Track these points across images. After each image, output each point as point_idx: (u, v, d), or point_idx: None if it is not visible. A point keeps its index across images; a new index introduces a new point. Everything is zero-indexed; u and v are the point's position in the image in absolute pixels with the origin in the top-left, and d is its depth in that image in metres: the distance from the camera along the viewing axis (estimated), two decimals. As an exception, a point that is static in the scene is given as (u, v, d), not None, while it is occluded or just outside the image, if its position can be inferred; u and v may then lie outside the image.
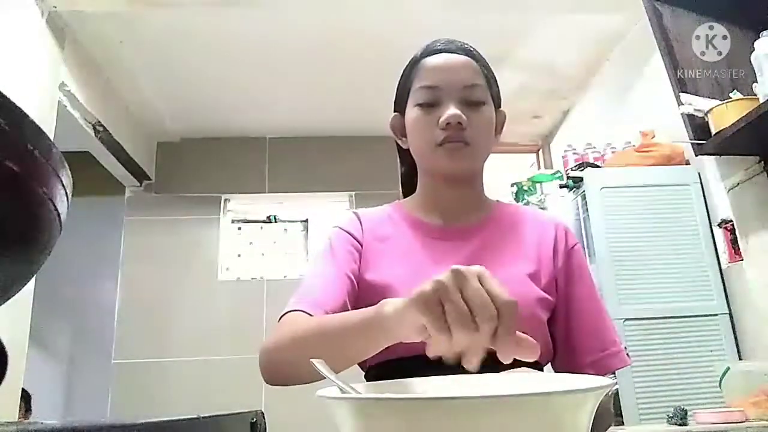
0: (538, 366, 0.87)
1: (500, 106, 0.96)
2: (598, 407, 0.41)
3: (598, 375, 0.84)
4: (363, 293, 0.87)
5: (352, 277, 0.87)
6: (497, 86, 0.95)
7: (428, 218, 0.94)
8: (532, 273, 0.87)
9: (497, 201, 1.00)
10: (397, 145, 1.00)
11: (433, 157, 0.88)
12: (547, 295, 0.86)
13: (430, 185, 0.95)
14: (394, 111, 0.98)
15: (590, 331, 0.88)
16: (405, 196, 1.03)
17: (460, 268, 0.50)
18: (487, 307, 0.48)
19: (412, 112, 0.91)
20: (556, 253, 0.91)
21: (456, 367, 0.70)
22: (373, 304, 0.77)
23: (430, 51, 0.92)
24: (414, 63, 0.93)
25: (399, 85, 0.96)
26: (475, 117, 0.87)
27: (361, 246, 0.91)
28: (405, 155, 1.00)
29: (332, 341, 0.71)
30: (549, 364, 0.92)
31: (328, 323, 0.73)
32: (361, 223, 0.94)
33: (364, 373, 0.90)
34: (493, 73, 0.95)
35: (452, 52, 0.90)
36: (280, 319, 0.81)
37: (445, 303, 0.49)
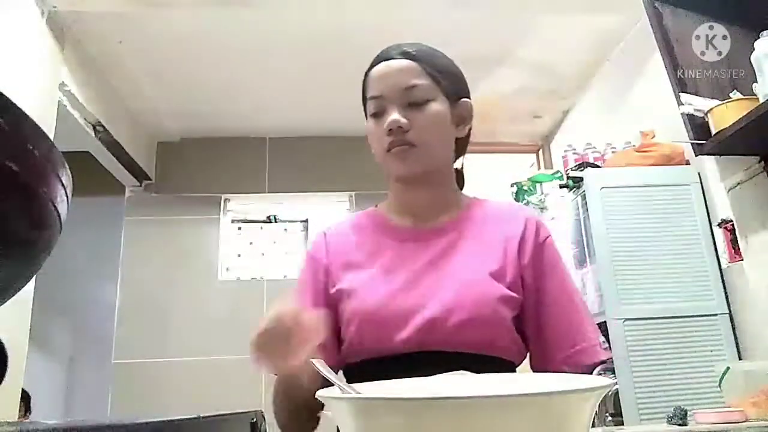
0: (510, 364, 0.88)
1: (463, 97, 0.96)
2: None
3: (573, 372, 0.85)
4: (336, 303, 0.91)
5: (322, 298, 0.93)
6: (452, 80, 0.95)
7: (398, 220, 0.97)
8: (496, 271, 0.88)
9: (473, 199, 1.01)
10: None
11: (386, 163, 0.92)
12: (511, 293, 0.87)
13: (395, 189, 0.99)
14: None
15: (561, 326, 0.89)
16: None
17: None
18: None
19: (367, 123, 0.95)
20: (522, 248, 0.91)
21: (423, 366, 0.72)
22: (342, 312, 0.88)
23: (374, 62, 0.95)
24: (365, 75, 0.97)
25: (361, 98, 1.00)
26: (419, 117, 0.89)
27: (327, 264, 0.96)
28: None
29: (284, 403, 0.87)
30: (528, 361, 0.93)
31: (275, 387, 0.88)
32: (326, 242, 0.98)
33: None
34: (446, 68, 0.95)
35: (392, 59, 0.93)
36: None
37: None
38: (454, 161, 1.00)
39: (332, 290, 0.92)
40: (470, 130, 0.99)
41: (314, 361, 0.55)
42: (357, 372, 0.88)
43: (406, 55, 0.93)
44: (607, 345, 0.93)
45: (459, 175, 1.04)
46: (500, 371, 0.83)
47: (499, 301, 0.85)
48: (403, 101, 0.90)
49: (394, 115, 0.88)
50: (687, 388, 1.77)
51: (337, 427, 0.66)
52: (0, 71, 1.91)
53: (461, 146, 1.00)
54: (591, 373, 0.85)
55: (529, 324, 0.90)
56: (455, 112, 0.95)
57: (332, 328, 0.90)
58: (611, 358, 0.94)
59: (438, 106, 0.91)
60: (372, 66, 0.95)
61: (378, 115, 0.92)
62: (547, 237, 0.95)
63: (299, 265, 1.02)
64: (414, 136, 0.88)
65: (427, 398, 0.40)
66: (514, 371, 0.89)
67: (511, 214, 0.97)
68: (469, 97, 0.98)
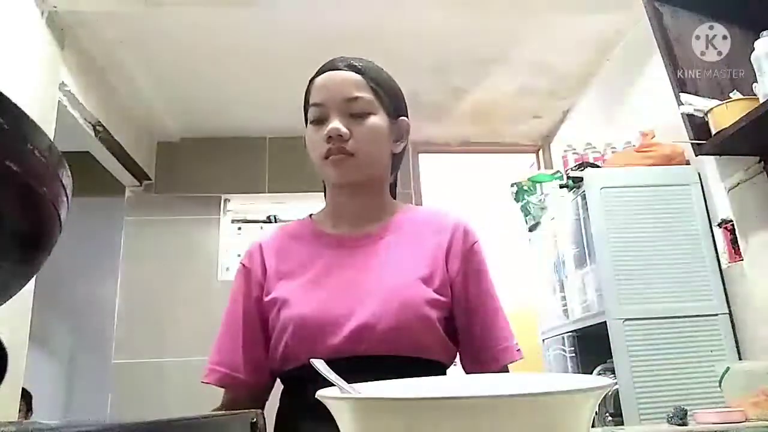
0: (441, 365, 0.91)
1: (401, 116, 1.00)
2: None
3: (497, 371, 0.91)
4: (269, 311, 0.93)
5: (253, 311, 0.95)
6: (396, 98, 0.99)
7: (331, 228, 0.99)
8: (425, 276, 0.90)
9: (406, 206, 1.04)
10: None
11: (323, 169, 0.94)
12: (439, 296, 0.89)
13: (330, 196, 1.01)
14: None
15: (486, 327, 0.93)
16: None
17: None
18: None
19: (307, 129, 0.96)
20: (449, 255, 0.94)
21: (366, 369, 0.71)
22: (275, 321, 0.90)
23: (319, 71, 0.98)
24: (309, 83, 0.99)
25: (303, 104, 1.01)
26: (359, 128, 0.92)
27: (262, 273, 0.97)
28: None
29: None
30: (458, 361, 0.97)
31: None
32: (262, 251, 0.99)
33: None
34: (389, 85, 0.98)
35: (337, 69, 0.96)
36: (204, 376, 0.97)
37: None
38: (390, 175, 1.03)
39: (265, 299, 0.94)
40: (405, 147, 1.02)
41: (314, 361, 0.55)
42: (291, 379, 0.91)
43: (351, 67, 0.96)
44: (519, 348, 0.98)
45: (392, 188, 1.07)
46: (430, 373, 0.84)
47: (426, 304, 0.87)
48: (344, 111, 0.92)
49: (335, 123, 0.90)
50: (687, 388, 1.78)
51: None
52: (0, 71, 1.91)
53: (397, 161, 1.03)
54: (507, 372, 0.91)
55: (460, 326, 0.93)
56: (394, 128, 0.98)
57: (262, 342, 0.94)
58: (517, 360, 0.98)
59: (378, 120, 0.94)
60: (317, 74, 0.98)
61: (318, 122, 0.93)
62: (475, 242, 0.97)
63: (234, 275, 1.03)
64: (352, 145, 0.91)
65: (427, 398, 0.40)
66: (445, 373, 0.92)
67: (439, 220, 0.99)
68: (407, 116, 1.01)
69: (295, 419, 0.89)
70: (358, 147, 0.91)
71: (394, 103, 0.98)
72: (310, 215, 1.06)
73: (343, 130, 0.90)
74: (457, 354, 0.96)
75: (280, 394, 0.97)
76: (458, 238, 0.96)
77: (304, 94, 1.00)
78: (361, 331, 0.85)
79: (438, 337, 0.89)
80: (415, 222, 0.99)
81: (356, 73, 0.95)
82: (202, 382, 0.97)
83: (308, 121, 0.96)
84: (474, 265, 0.95)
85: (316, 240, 0.98)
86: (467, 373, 0.96)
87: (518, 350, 0.93)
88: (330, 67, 0.97)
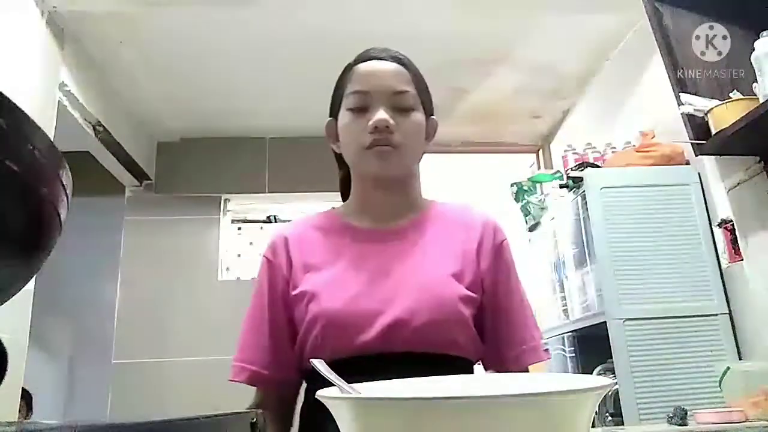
0: (469, 363, 0.90)
1: (432, 115, 0.99)
2: None
3: (519, 370, 0.90)
4: (296, 305, 0.91)
5: (278, 305, 0.93)
6: (429, 96, 0.98)
7: (359, 222, 0.97)
8: (456, 272, 0.89)
9: (433, 202, 1.03)
10: (333, 150, 1.02)
11: (363, 160, 0.91)
12: (470, 293, 0.89)
13: (361, 189, 0.98)
14: (330, 116, 1.00)
15: (512, 326, 0.92)
16: (344, 200, 1.05)
17: None
18: None
19: (344, 116, 0.94)
20: (480, 251, 0.93)
21: (396, 365, 0.70)
22: (303, 315, 0.87)
23: (362, 58, 0.96)
24: (347, 69, 0.97)
25: (334, 90, 1.00)
26: (403, 122, 0.90)
27: (287, 266, 0.94)
28: (341, 160, 1.02)
29: None
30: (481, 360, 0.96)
31: None
32: (287, 243, 0.97)
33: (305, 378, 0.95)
34: (425, 82, 0.98)
35: (383, 60, 0.94)
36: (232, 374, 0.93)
37: None
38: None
39: (292, 293, 0.92)
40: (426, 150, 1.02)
41: (314, 361, 0.55)
42: (317, 376, 0.88)
43: (396, 60, 0.94)
44: (547, 348, 0.97)
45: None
46: (460, 370, 0.84)
47: (460, 301, 0.87)
48: (389, 103, 0.90)
49: (383, 114, 0.88)
50: (687, 388, 1.77)
51: None
52: (0, 71, 1.91)
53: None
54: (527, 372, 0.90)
55: (486, 323, 0.92)
56: (428, 126, 0.97)
57: (288, 337, 0.92)
58: (546, 360, 0.97)
59: (419, 117, 0.93)
60: (358, 62, 0.95)
61: (359, 110, 0.91)
62: (503, 240, 0.97)
63: (258, 268, 1.00)
64: (398, 139, 0.89)
65: (427, 398, 0.40)
66: (472, 370, 0.91)
67: (469, 217, 0.99)
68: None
69: (323, 418, 0.88)
70: (403, 141, 0.89)
71: (429, 101, 0.98)
72: (333, 208, 1.04)
73: (392, 121, 0.88)
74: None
75: (304, 391, 0.95)
76: (488, 235, 0.95)
77: (338, 79, 0.98)
78: (394, 327, 0.83)
79: (470, 334, 0.88)
80: (444, 218, 0.98)
81: (402, 66, 0.94)
82: (231, 380, 0.93)
83: (343, 108, 0.94)
84: (503, 262, 0.94)
85: (344, 233, 0.96)
86: (488, 371, 0.95)
87: (545, 351, 0.92)
88: (374, 55, 0.94)
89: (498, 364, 0.93)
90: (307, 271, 0.92)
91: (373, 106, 0.90)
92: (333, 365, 0.83)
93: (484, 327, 0.92)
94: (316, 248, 0.95)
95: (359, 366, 0.81)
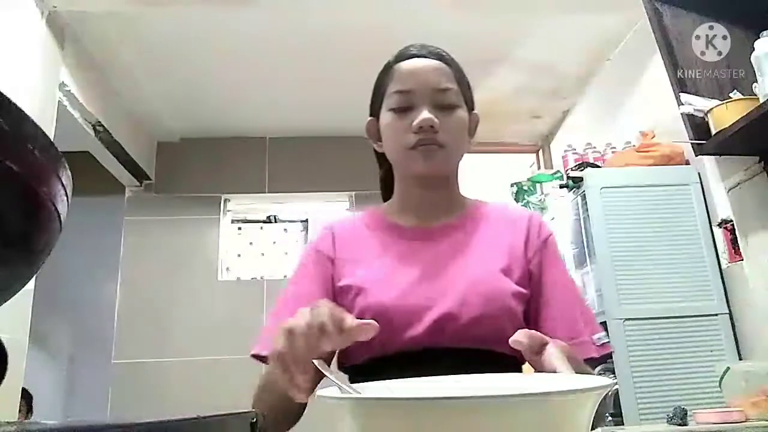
0: (515, 360, 0.87)
1: (473, 110, 0.98)
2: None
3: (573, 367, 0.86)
4: (341, 297, 0.90)
5: (320, 294, 0.90)
6: (470, 91, 0.97)
7: (403, 220, 0.96)
8: (505, 268, 0.89)
9: (474, 200, 1.02)
10: (374, 149, 1.01)
11: (408, 160, 0.90)
12: (520, 288, 0.88)
13: (405, 188, 0.97)
14: (370, 116, 0.99)
15: (557, 321, 0.89)
16: (384, 199, 1.05)
17: (293, 328, 0.59)
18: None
19: (386, 116, 0.93)
20: (527, 246, 0.93)
21: (444, 360, 0.70)
22: (349, 308, 0.83)
23: (403, 56, 0.94)
24: (388, 68, 0.95)
25: (374, 90, 0.98)
26: (447, 120, 0.89)
27: (333, 258, 0.94)
28: (382, 159, 1.01)
29: (263, 398, 0.84)
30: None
31: (260, 382, 0.85)
32: (333, 235, 0.96)
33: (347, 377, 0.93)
34: (466, 77, 0.96)
35: (425, 57, 0.92)
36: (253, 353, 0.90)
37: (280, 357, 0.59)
38: None
39: (338, 284, 0.91)
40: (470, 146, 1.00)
41: (315, 361, 0.55)
42: (362, 371, 0.87)
43: (438, 56, 0.93)
44: (606, 342, 0.93)
45: None
46: (507, 367, 0.83)
47: (510, 295, 0.86)
48: (432, 102, 0.89)
49: (427, 114, 0.87)
50: (687, 388, 1.78)
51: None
52: (0, 71, 1.91)
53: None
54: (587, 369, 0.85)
55: (532, 318, 0.91)
56: (471, 122, 0.96)
57: None
58: (609, 355, 0.93)
59: (463, 113, 0.92)
60: (399, 60, 0.94)
61: (402, 110, 0.90)
62: (549, 235, 0.96)
63: (300, 256, 0.99)
64: (443, 137, 0.88)
65: (427, 398, 0.40)
66: (520, 368, 0.89)
67: (514, 213, 0.99)
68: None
69: None
70: (447, 139, 0.89)
71: (471, 95, 0.97)
72: (376, 207, 1.03)
73: (436, 121, 0.87)
74: None
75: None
76: (534, 230, 0.94)
77: (377, 78, 0.96)
78: (443, 322, 0.83)
79: (520, 329, 0.87)
80: (489, 215, 0.97)
81: (444, 63, 0.92)
82: (253, 355, 0.88)
83: (385, 108, 0.93)
84: (549, 257, 0.93)
85: (390, 230, 0.95)
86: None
87: (601, 345, 0.88)
88: (416, 53, 0.93)
89: None
90: (353, 266, 0.91)
91: (416, 105, 0.89)
92: (380, 362, 0.83)
93: (532, 322, 0.90)
94: (362, 244, 0.95)
95: (406, 361, 0.82)
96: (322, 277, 0.93)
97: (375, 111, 0.97)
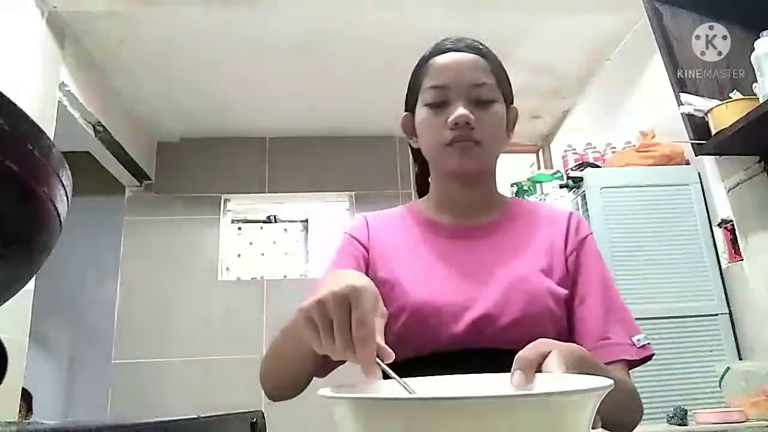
0: None
1: (512, 103, 0.95)
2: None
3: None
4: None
5: None
6: (509, 83, 0.95)
7: (440, 217, 0.94)
8: (545, 268, 0.86)
9: (511, 197, 1.01)
10: (410, 144, 0.99)
11: (443, 156, 0.88)
12: (560, 289, 0.86)
13: (442, 185, 0.95)
14: (405, 110, 0.97)
15: (588, 320, 0.87)
16: (420, 195, 1.02)
17: (336, 294, 0.56)
18: (341, 327, 0.55)
19: (421, 112, 0.90)
20: (567, 244, 0.91)
21: (482, 361, 0.69)
22: (385, 303, 0.77)
23: (439, 50, 0.91)
24: (423, 62, 0.93)
25: (409, 84, 0.96)
26: (484, 116, 0.87)
27: (368, 249, 0.92)
28: (417, 155, 0.99)
29: (281, 348, 0.79)
30: None
31: (281, 331, 0.78)
32: (368, 226, 0.94)
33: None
34: (504, 70, 0.94)
35: (461, 51, 0.90)
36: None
37: (317, 319, 0.55)
38: None
39: (377, 274, 0.88)
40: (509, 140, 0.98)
41: (378, 361, 0.55)
42: (397, 367, 0.84)
43: (475, 50, 0.90)
44: (647, 344, 0.90)
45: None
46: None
47: (551, 296, 0.84)
48: (469, 97, 0.87)
49: (462, 110, 0.85)
50: (687, 388, 1.77)
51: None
52: (0, 71, 1.91)
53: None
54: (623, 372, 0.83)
55: (569, 318, 0.88)
56: (509, 116, 0.94)
57: None
58: (649, 357, 0.91)
59: (500, 108, 0.90)
60: (434, 54, 0.91)
61: (438, 105, 0.88)
62: (588, 234, 0.94)
63: (337, 244, 0.95)
64: (479, 134, 0.86)
65: (426, 398, 0.40)
66: None
67: (553, 212, 0.96)
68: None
69: None
70: (484, 135, 0.86)
71: (509, 89, 0.94)
72: (412, 203, 1.01)
73: (472, 117, 0.85)
74: None
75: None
76: (573, 229, 0.93)
77: (413, 73, 0.94)
78: (483, 322, 0.81)
79: (561, 331, 0.85)
80: (529, 214, 0.95)
81: (480, 56, 0.90)
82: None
83: (420, 103, 0.91)
84: (586, 256, 0.91)
85: (427, 227, 0.93)
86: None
87: (642, 347, 0.86)
88: (452, 47, 0.90)
89: None
90: (389, 260, 0.89)
91: (451, 100, 0.87)
92: (416, 361, 0.80)
93: (567, 322, 0.88)
94: (398, 238, 0.92)
95: (442, 362, 0.79)
96: (359, 264, 0.90)
97: (410, 106, 0.95)
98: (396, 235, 0.93)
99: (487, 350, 0.80)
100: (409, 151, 1.02)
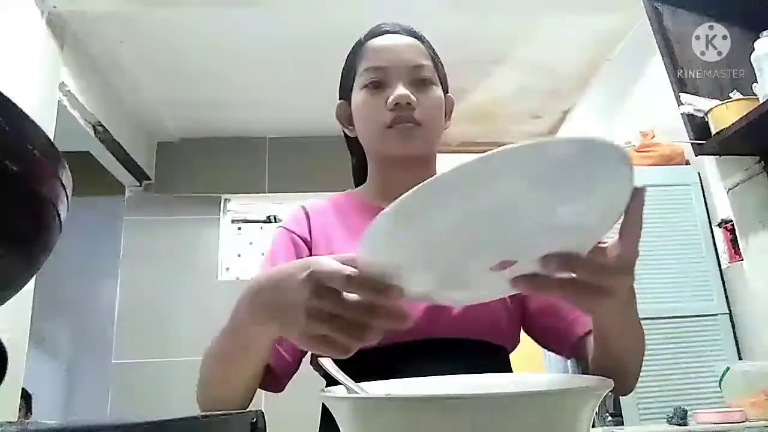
0: (506, 351, 0.85)
1: (448, 92, 0.93)
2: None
3: (571, 342, 0.82)
4: None
5: None
6: (444, 71, 0.93)
7: (382, 203, 0.92)
8: None
9: None
10: (345, 135, 0.97)
11: (384, 140, 0.85)
12: None
13: (382, 170, 0.92)
14: (340, 99, 0.95)
15: (552, 303, 0.85)
16: (357, 186, 1.00)
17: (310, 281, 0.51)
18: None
19: (358, 95, 0.88)
20: None
21: (426, 354, 0.67)
22: None
23: (375, 33, 0.91)
24: (358, 46, 0.92)
25: (343, 70, 0.94)
26: (424, 97, 0.85)
27: (309, 239, 0.88)
28: (354, 145, 0.97)
29: (218, 352, 0.75)
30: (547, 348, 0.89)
31: (218, 334, 0.75)
32: (308, 217, 0.91)
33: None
34: (439, 57, 0.93)
35: (398, 33, 0.89)
36: None
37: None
38: None
39: None
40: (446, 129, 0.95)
41: (323, 360, 0.55)
42: (355, 366, 0.84)
43: (411, 33, 0.90)
44: None
45: None
46: (501, 359, 0.82)
47: None
48: (408, 78, 0.85)
49: (402, 90, 0.82)
50: (687, 388, 1.77)
51: None
52: (0, 71, 1.91)
53: None
54: (582, 344, 0.82)
55: (530, 304, 0.87)
56: (447, 104, 0.92)
57: None
58: None
59: (439, 91, 0.88)
60: (370, 37, 0.90)
61: (377, 87, 0.85)
62: None
63: (272, 241, 0.90)
64: (420, 114, 0.83)
65: (426, 397, 0.40)
66: (508, 359, 0.86)
67: None
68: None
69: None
70: (425, 116, 0.84)
71: (444, 76, 0.93)
72: (350, 191, 0.99)
73: (413, 97, 0.82)
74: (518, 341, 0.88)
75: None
76: None
77: (347, 58, 0.92)
78: (435, 312, 0.78)
79: (513, 321, 0.84)
80: None
81: (417, 39, 0.89)
82: None
83: (357, 87, 0.88)
84: None
85: (366, 214, 0.87)
86: (549, 350, 0.89)
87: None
88: (387, 29, 0.90)
89: (549, 343, 0.86)
90: (332, 250, 0.84)
91: (390, 82, 0.84)
92: (373, 353, 0.73)
93: (528, 314, 0.86)
94: (339, 227, 0.88)
95: (400, 353, 0.77)
96: (291, 258, 0.85)
97: (346, 93, 0.92)
98: (336, 224, 0.89)
99: (443, 341, 0.78)
100: (345, 141, 0.98)
